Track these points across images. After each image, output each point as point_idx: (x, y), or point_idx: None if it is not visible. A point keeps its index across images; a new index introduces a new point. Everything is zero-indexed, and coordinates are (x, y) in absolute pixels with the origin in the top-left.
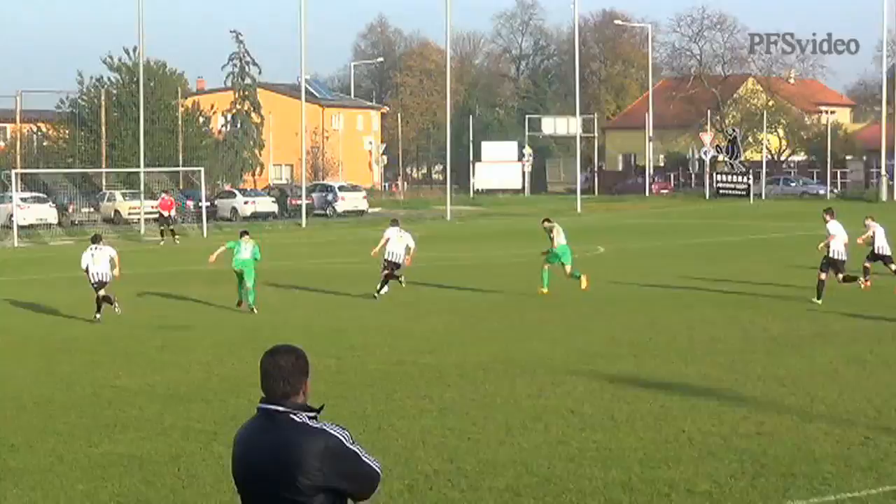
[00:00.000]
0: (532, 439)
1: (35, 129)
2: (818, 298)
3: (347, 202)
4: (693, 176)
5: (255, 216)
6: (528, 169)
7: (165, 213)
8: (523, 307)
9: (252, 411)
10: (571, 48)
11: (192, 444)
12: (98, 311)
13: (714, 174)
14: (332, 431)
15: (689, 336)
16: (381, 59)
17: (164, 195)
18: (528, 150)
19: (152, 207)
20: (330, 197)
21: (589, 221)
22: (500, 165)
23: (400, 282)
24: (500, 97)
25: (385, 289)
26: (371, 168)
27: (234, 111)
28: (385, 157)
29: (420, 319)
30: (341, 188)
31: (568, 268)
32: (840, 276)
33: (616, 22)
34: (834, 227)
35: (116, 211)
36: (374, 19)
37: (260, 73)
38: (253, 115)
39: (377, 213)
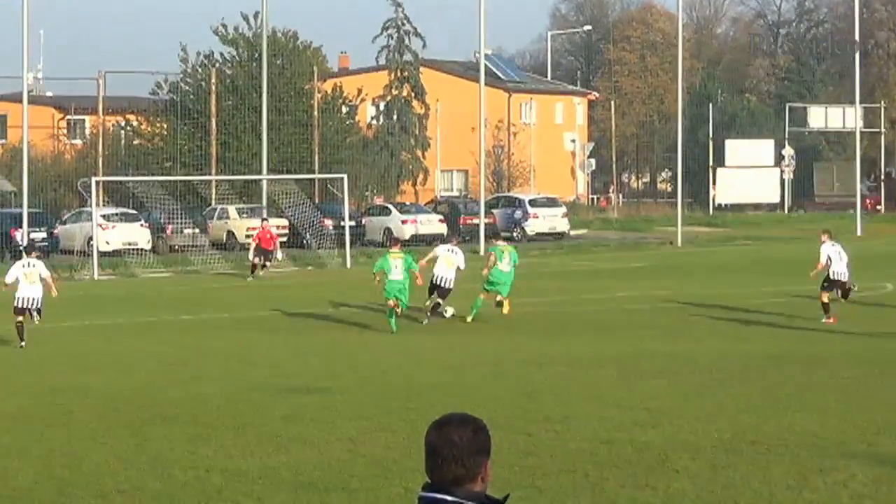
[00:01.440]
0: None
1: (123, 122)
2: (827, 316)
3: (541, 221)
4: None
5: (417, 239)
6: (788, 176)
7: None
8: (779, 364)
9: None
10: (849, 13)
11: None
12: (21, 338)
13: None
14: None
15: None
16: (588, 27)
17: (264, 223)
18: (788, 151)
19: (277, 229)
20: (518, 214)
21: (873, 247)
22: (750, 172)
23: (443, 314)
24: (750, 79)
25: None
26: (574, 175)
27: (389, 98)
28: (593, 161)
29: (636, 380)
30: (533, 202)
31: None
32: (844, 298)
33: None
34: (827, 249)
35: (230, 232)
36: None
37: (424, 46)
38: (415, 103)
39: (582, 236)
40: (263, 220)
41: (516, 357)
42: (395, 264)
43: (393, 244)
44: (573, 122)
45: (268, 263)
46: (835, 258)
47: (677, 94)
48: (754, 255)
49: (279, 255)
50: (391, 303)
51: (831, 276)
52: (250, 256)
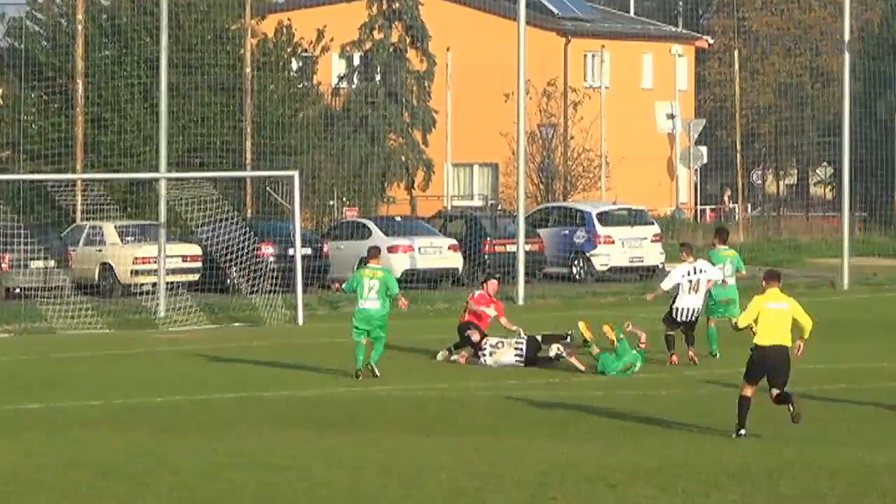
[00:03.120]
0: None
1: None
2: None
3: (619, 249)
4: None
5: (414, 277)
6: None
7: None
8: None
9: None
10: None
11: None
12: None
13: None
14: None
15: None
16: None
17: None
18: None
19: (183, 260)
20: (580, 237)
21: None
22: None
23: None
24: None
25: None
26: (672, 172)
27: (368, 46)
28: (704, 151)
29: None
30: (605, 218)
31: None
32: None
33: None
34: (680, 271)
35: (106, 265)
36: None
37: None
38: (410, 53)
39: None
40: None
41: None
42: (370, 285)
43: (371, 256)
44: (671, 85)
45: None
46: (684, 286)
47: (843, 41)
48: None
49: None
50: (363, 340)
51: (672, 313)
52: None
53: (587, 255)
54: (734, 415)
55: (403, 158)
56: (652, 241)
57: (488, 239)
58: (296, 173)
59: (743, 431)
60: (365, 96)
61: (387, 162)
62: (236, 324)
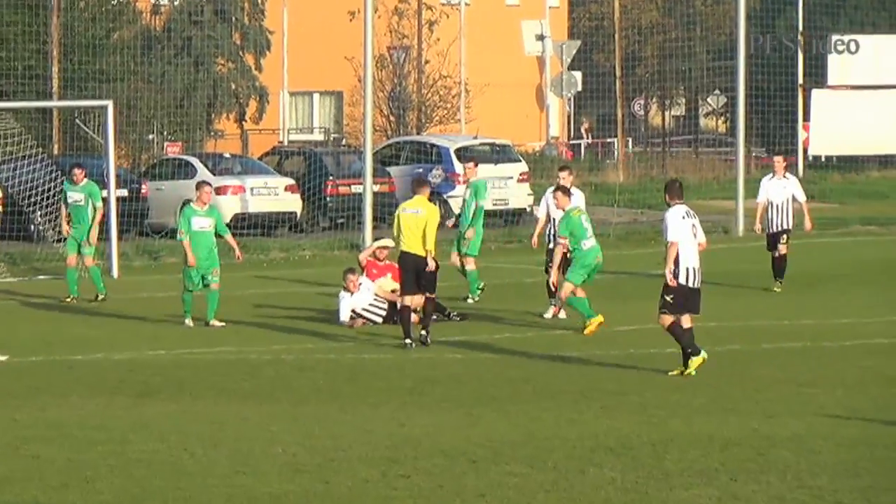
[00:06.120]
0: None
1: None
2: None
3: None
4: None
5: (246, 223)
6: None
7: None
8: None
9: None
10: None
11: None
12: None
13: None
14: None
15: None
16: None
17: None
18: None
19: None
20: (436, 176)
21: None
22: (873, 97)
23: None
24: None
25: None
26: (541, 102)
27: None
28: (578, 77)
29: None
30: (464, 154)
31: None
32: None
33: None
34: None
35: None
36: None
37: None
38: None
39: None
40: None
41: None
42: (203, 224)
43: (199, 190)
44: (540, 1)
45: None
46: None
47: None
48: (881, 256)
49: None
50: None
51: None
52: None
53: (444, 196)
54: (615, 381)
55: (233, 86)
56: (519, 180)
57: (331, 179)
58: (109, 103)
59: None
60: (189, 14)
61: (214, 90)
62: (41, 276)
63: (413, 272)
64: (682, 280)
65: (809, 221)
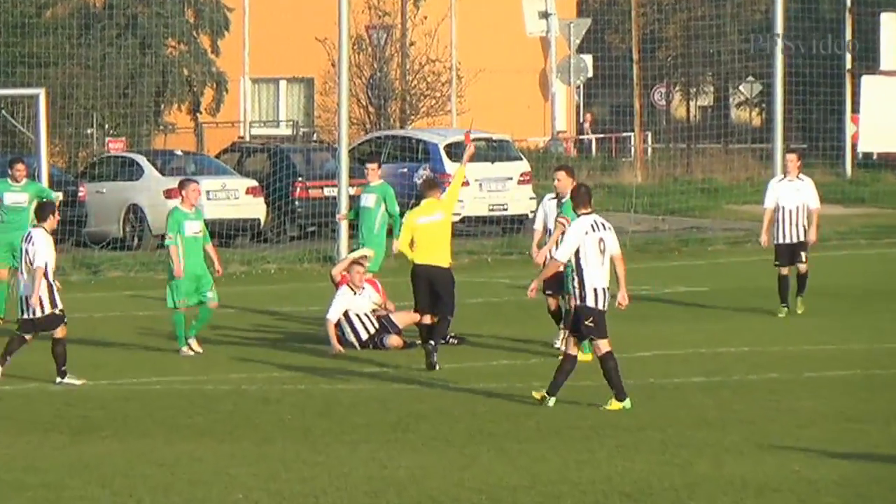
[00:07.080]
0: None
1: None
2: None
3: (475, 192)
4: None
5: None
6: None
7: None
8: None
9: None
10: None
11: None
12: None
13: None
14: None
15: None
16: None
17: None
18: None
19: None
20: (421, 175)
21: None
22: None
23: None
24: None
25: None
26: (546, 92)
27: None
28: (588, 62)
29: None
30: (454, 151)
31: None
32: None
33: None
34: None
35: None
36: None
37: None
38: None
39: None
40: None
41: None
42: (196, 229)
43: (181, 188)
44: None
45: None
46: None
47: None
48: None
49: None
50: (181, 304)
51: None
52: None
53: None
54: (632, 416)
55: (186, 72)
56: (519, 182)
57: (300, 180)
58: (41, 92)
59: None
60: None
61: (163, 77)
62: None
63: (429, 287)
64: (590, 303)
65: (815, 234)
